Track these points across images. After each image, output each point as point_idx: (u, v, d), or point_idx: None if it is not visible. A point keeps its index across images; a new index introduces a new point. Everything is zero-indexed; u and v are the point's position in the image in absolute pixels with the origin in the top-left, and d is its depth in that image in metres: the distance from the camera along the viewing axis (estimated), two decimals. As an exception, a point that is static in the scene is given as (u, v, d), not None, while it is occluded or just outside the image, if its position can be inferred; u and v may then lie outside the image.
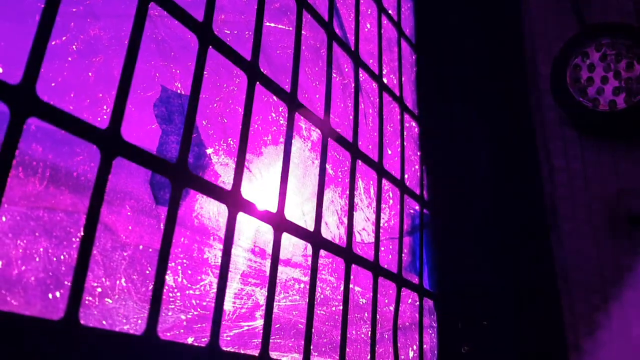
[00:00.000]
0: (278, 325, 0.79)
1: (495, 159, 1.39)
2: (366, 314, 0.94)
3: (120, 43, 0.63)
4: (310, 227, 0.81)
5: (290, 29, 0.92)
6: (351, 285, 0.94)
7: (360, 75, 1.03)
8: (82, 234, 0.50)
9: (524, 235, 1.37)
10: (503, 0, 1.41)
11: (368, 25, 1.12)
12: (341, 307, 0.88)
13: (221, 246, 0.71)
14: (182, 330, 0.64)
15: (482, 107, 1.33)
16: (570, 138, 1.45)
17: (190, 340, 0.66)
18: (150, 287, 0.61)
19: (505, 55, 1.41)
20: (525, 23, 1.46)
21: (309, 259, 0.88)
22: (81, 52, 0.60)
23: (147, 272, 0.60)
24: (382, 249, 1.04)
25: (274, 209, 0.75)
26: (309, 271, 0.81)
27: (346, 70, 1.03)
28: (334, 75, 1.00)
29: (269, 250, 0.76)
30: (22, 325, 0.45)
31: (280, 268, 0.82)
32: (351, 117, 0.99)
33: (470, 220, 1.24)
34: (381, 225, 1.01)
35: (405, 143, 1.12)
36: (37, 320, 0.46)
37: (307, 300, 0.77)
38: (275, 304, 0.73)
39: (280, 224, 0.75)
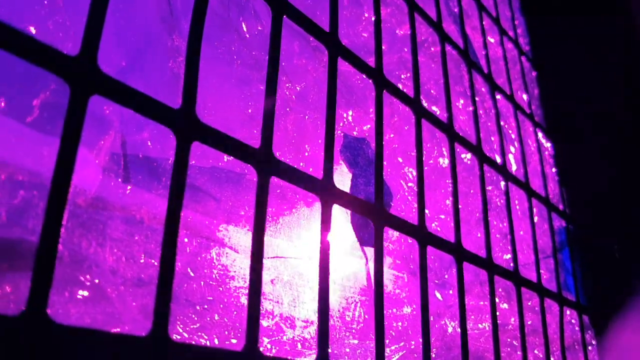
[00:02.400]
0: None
1: (627, 170, 1.34)
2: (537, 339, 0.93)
3: (308, 97, 0.68)
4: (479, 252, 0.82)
5: (427, 59, 0.95)
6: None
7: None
8: (318, 279, 0.54)
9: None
10: (613, 10, 1.37)
11: (493, 40, 1.13)
12: (513, 331, 0.87)
13: (405, 276, 0.73)
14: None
15: (610, 118, 1.29)
16: None
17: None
18: (355, 324, 0.63)
19: (624, 61, 1.37)
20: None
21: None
22: (278, 108, 0.65)
23: (360, 312, 0.63)
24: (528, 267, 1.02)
25: (450, 238, 0.76)
26: (486, 299, 0.82)
27: (481, 91, 1.04)
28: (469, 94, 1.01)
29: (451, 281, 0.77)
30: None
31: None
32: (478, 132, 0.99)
33: (613, 233, 1.20)
34: (520, 242, 1.00)
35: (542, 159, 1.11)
36: (227, 353, 0.50)
37: (492, 327, 0.77)
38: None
39: (460, 254, 0.76)
